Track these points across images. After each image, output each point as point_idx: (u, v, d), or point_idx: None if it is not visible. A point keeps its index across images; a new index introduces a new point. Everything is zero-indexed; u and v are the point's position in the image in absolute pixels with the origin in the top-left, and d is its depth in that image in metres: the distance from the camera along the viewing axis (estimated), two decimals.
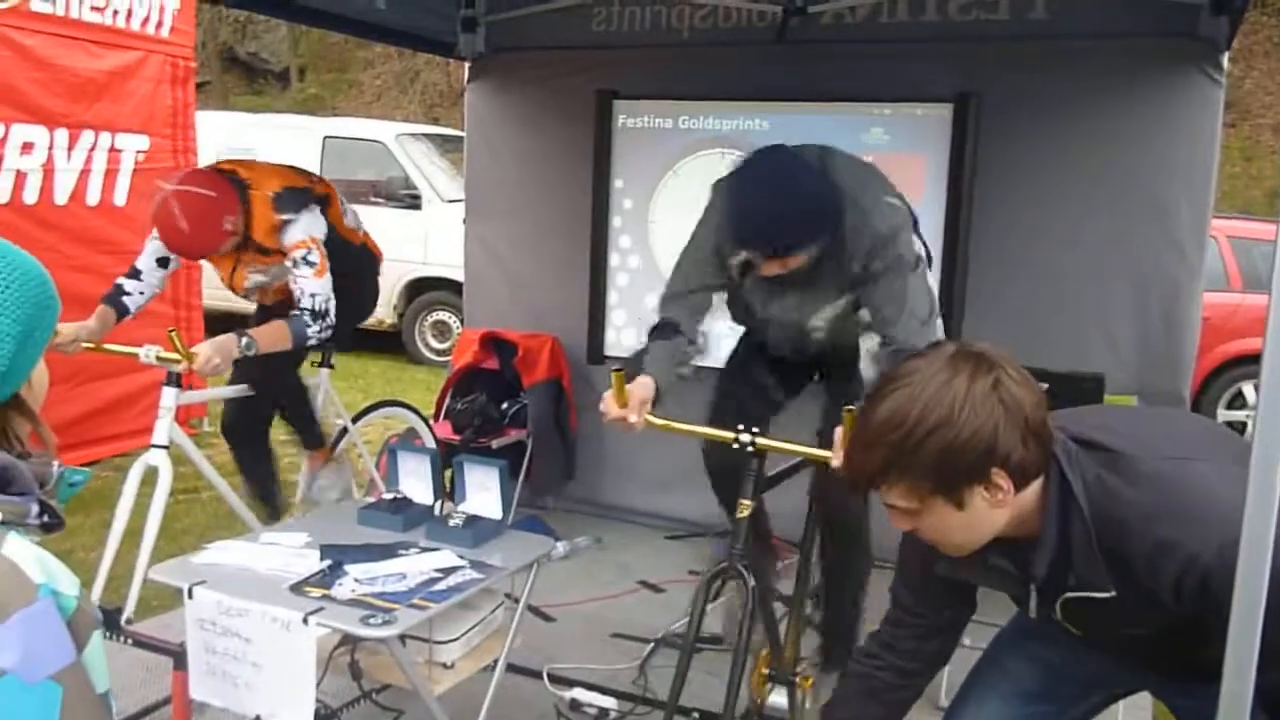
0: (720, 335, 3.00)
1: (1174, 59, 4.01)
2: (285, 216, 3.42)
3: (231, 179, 3.43)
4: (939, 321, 2.62)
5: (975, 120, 4.14)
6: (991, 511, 1.61)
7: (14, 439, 1.13)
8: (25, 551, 1.02)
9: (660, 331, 2.66)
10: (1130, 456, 1.62)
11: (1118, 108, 4.10)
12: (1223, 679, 1.35)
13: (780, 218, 2.46)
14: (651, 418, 2.43)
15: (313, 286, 3.41)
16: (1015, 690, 1.99)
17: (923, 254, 2.68)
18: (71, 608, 1.02)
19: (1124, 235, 4.16)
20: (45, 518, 1.10)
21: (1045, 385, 3.33)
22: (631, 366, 2.51)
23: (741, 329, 3.18)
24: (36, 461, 1.13)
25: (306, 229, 3.44)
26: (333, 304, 3.45)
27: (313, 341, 3.44)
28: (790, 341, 2.94)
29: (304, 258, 3.42)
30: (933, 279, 2.71)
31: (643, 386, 2.44)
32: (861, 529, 3.10)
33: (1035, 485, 1.63)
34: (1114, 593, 1.63)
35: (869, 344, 2.62)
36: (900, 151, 4.21)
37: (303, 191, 3.54)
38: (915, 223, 2.76)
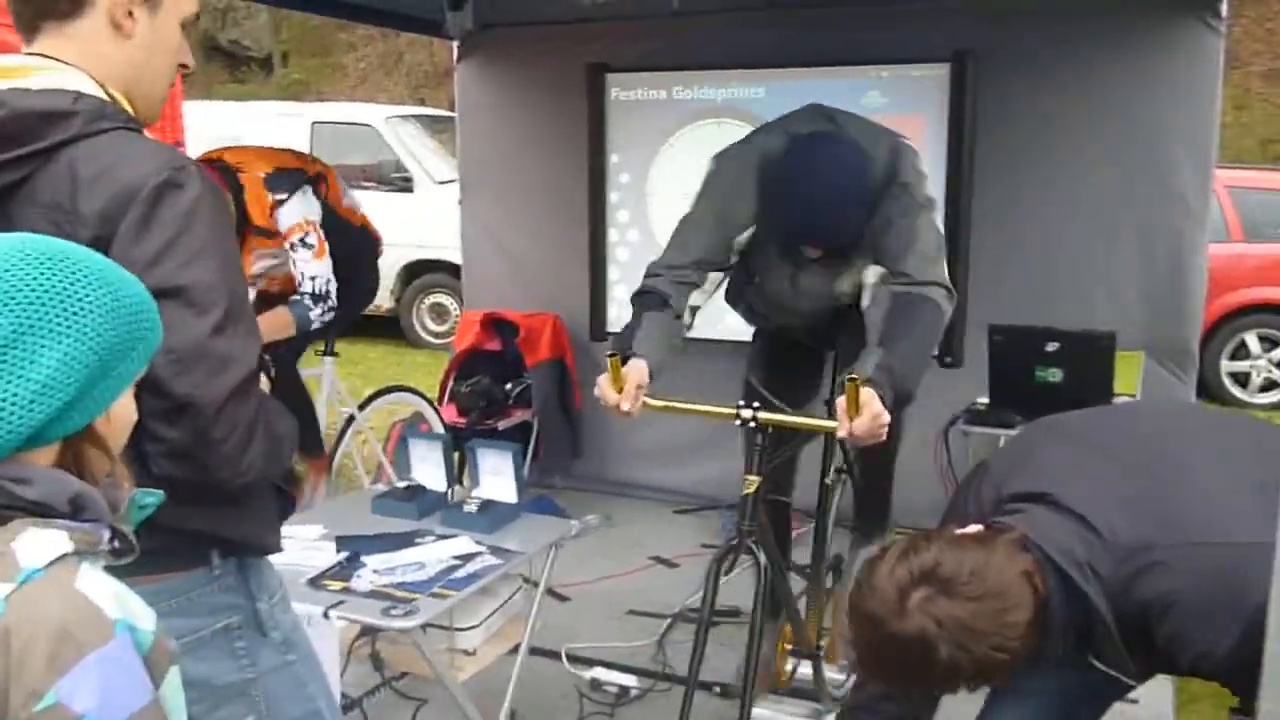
0: (715, 311, 2.96)
1: (1172, 7, 3.96)
2: (278, 196, 3.37)
3: (219, 167, 3.38)
4: (943, 257, 2.57)
5: (973, 79, 4.09)
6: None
7: (89, 474, 1.08)
8: (100, 585, 0.99)
9: (648, 300, 2.57)
10: (1143, 547, 1.61)
11: (1116, 59, 4.06)
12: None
13: (840, 214, 2.46)
14: (650, 400, 2.39)
15: (312, 269, 3.37)
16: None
17: (932, 195, 2.63)
18: (149, 642, 1.00)
19: (1127, 189, 4.12)
20: (116, 543, 1.07)
21: (1057, 344, 3.35)
22: (623, 342, 2.46)
23: (742, 317, 3.13)
24: (107, 485, 1.10)
25: (301, 211, 3.40)
26: (334, 286, 3.41)
27: (315, 325, 3.41)
28: (815, 312, 2.87)
29: (301, 240, 3.38)
30: (939, 221, 2.66)
31: (636, 370, 2.38)
32: (890, 461, 3.09)
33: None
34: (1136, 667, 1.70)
35: (870, 278, 2.57)
36: (899, 113, 4.16)
37: (295, 172, 3.49)
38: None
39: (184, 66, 1.55)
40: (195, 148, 5.93)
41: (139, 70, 1.47)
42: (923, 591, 1.58)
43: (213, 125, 8.81)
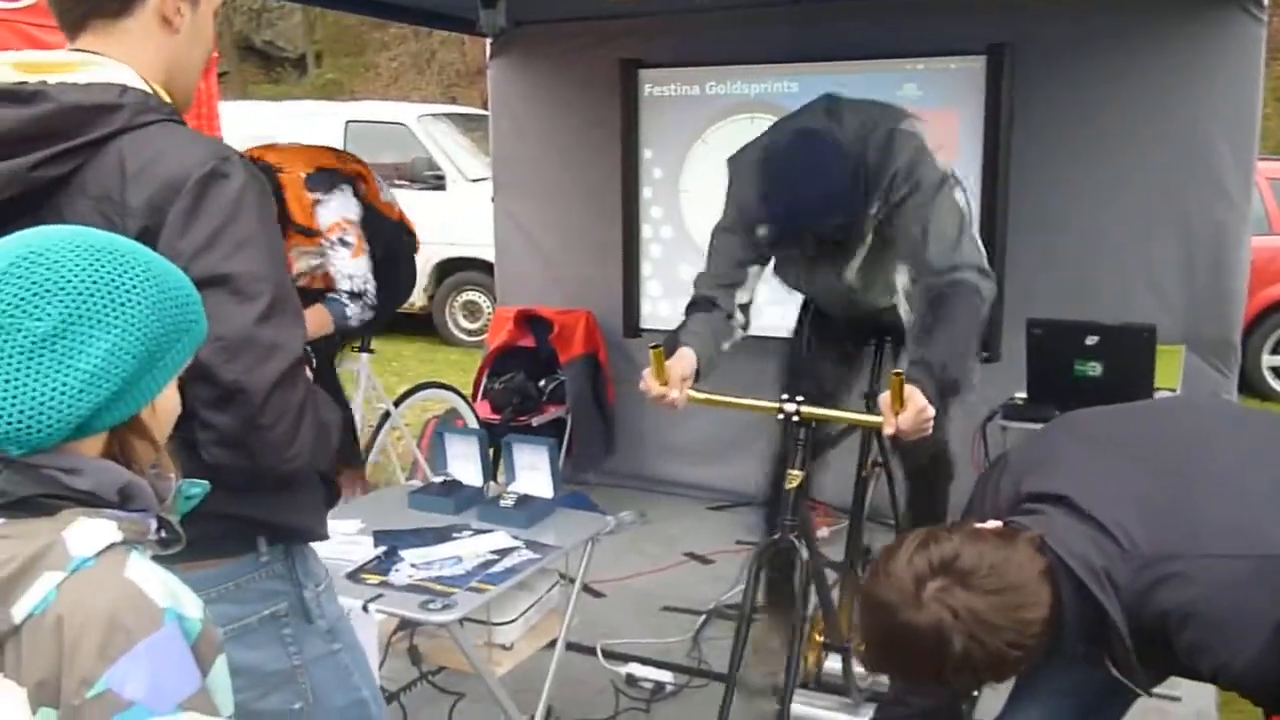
0: (760, 305, 2.96)
1: None
2: (317, 196, 3.40)
3: (260, 167, 3.40)
4: (973, 237, 2.52)
5: (1009, 72, 4.05)
6: None
7: (135, 465, 1.09)
8: (149, 574, 1.00)
9: (697, 306, 2.61)
10: (1163, 558, 1.58)
11: (1155, 50, 4.00)
12: None
13: (813, 211, 2.42)
14: (693, 392, 2.38)
15: (349, 267, 3.39)
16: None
17: (950, 172, 2.58)
18: (196, 631, 1.01)
19: (1167, 182, 4.07)
20: (163, 533, 1.08)
21: (1096, 338, 3.31)
22: (670, 343, 2.47)
23: (796, 297, 3.13)
24: (153, 476, 1.11)
25: (339, 210, 3.42)
26: (371, 284, 3.43)
27: (354, 323, 3.42)
28: (841, 304, 2.88)
29: (340, 239, 3.40)
30: (961, 195, 2.59)
31: (682, 361, 2.39)
32: (943, 451, 3.07)
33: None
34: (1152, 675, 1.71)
35: (902, 280, 2.55)
36: (934, 107, 4.13)
37: (333, 171, 3.51)
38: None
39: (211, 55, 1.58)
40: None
41: (179, 62, 1.50)
42: (940, 582, 1.56)
43: (248, 125, 8.86)
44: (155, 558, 1.06)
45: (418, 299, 8.95)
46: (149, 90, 1.43)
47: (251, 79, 17.47)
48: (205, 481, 1.17)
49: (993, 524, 1.70)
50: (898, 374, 2.14)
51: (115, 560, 0.99)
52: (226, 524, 1.45)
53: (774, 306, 3.19)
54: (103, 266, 1.04)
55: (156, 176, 1.36)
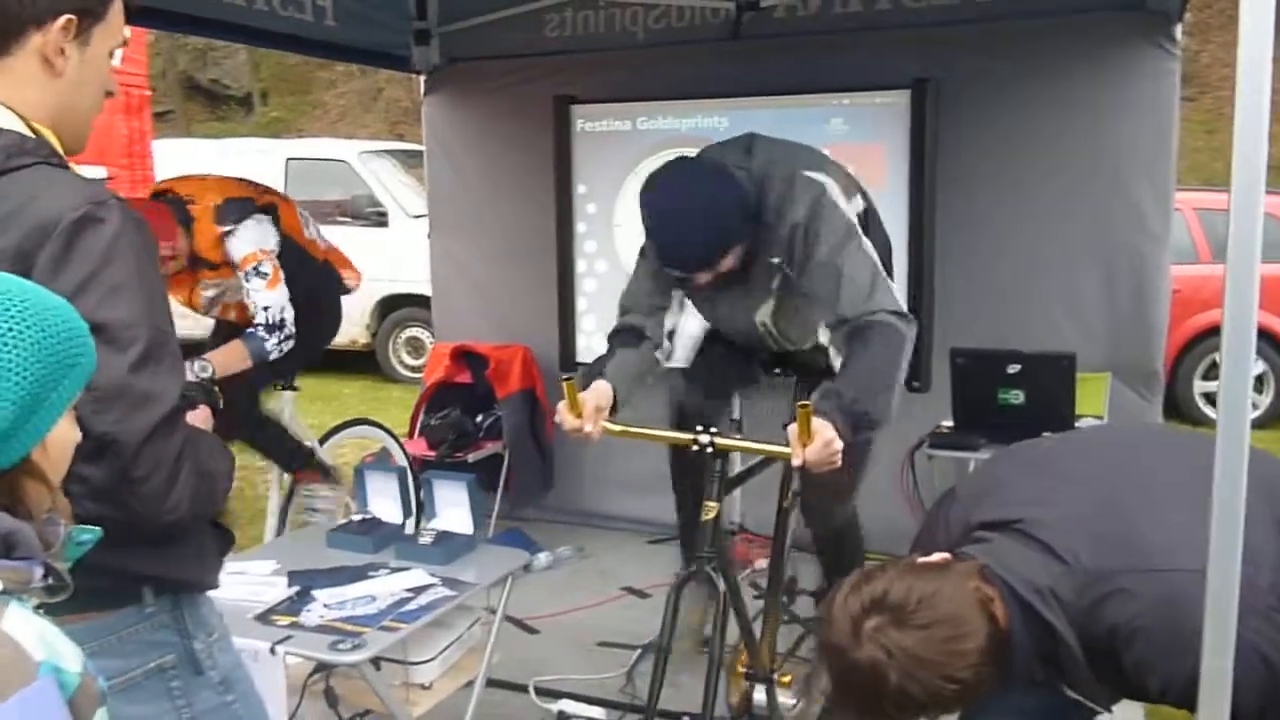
0: (693, 336, 2.97)
1: (1127, 33, 4.01)
2: (225, 228, 3.36)
3: (169, 200, 3.37)
4: (887, 283, 2.51)
5: (933, 105, 4.12)
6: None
7: (27, 505, 1.06)
8: (26, 625, 0.97)
9: (623, 338, 2.59)
10: (1106, 573, 1.61)
11: (1075, 85, 4.10)
12: None
13: (687, 239, 2.41)
14: (609, 424, 2.38)
15: (265, 299, 3.34)
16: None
17: (855, 219, 2.56)
18: (74, 685, 0.97)
19: (1088, 211, 4.15)
20: (49, 580, 1.04)
21: (1018, 366, 3.36)
22: (592, 371, 2.46)
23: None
24: (46, 521, 1.08)
25: (255, 240, 3.38)
26: (289, 314, 3.37)
27: (273, 355, 3.35)
28: (748, 340, 2.90)
29: (255, 269, 3.35)
30: (868, 244, 2.56)
31: (598, 394, 2.38)
32: (850, 515, 3.07)
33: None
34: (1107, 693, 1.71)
35: (824, 335, 2.56)
36: (860, 141, 4.19)
37: (244, 201, 3.47)
38: (863, 193, 2.72)
39: (109, 94, 1.54)
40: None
41: (67, 104, 1.46)
42: (874, 621, 1.58)
43: (187, 163, 8.77)
44: (42, 606, 1.03)
45: (360, 336, 8.88)
46: (27, 133, 1.40)
47: (196, 118, 17.35)
48: (97, 528, 1.14)
49: (938, 556, 1.72)
50: (804, 406, 2.15)
51: None
52: (107, 576, 1.41)
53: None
54: None
55: (27, 220, 1.33)
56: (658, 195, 2.45)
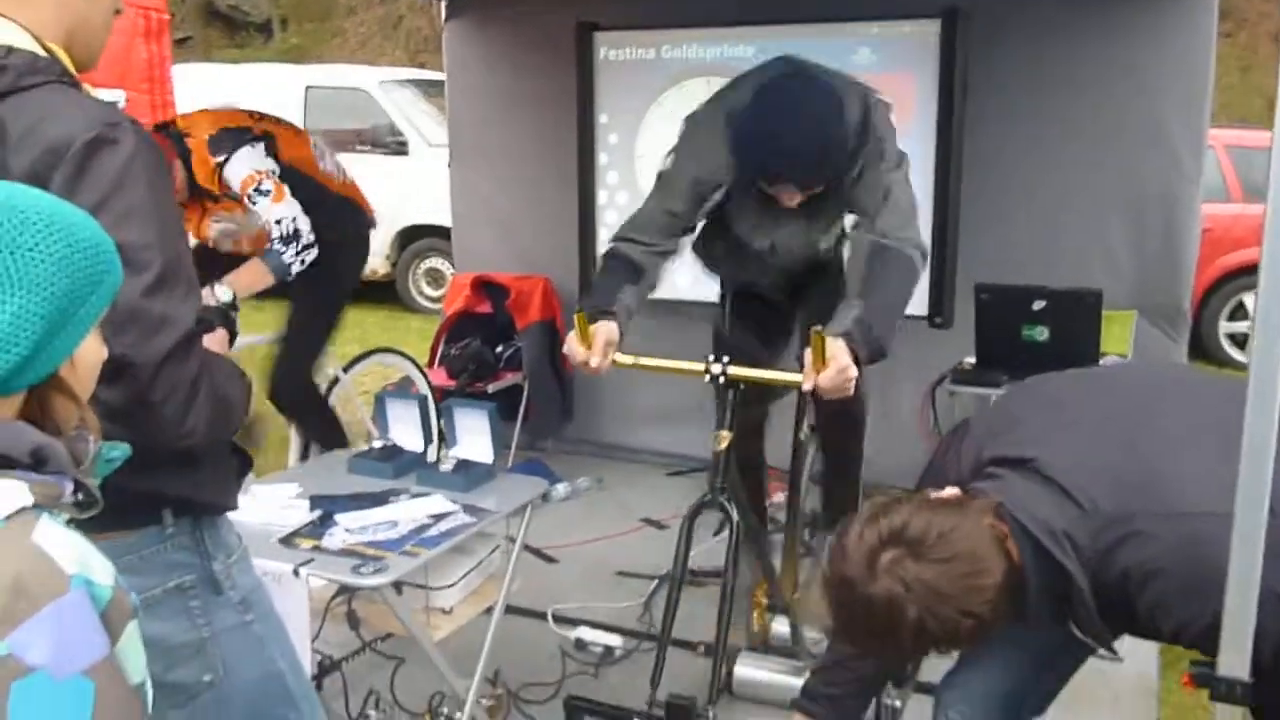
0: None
1: None
2: (219, 158, 3.33)
3: (169, 133, 3.35)
4: (918, 218, 2.52)
5: (964, 37, 4.03)
6: None
7: (56, 421, 1.06)
8: (58, 538, 0.97)
9: (620, 268, 2.52)
10: (1123, 517, 1.59)
11: (1110, 18, 3.99)
12: None
13: (815, 150, 2.36)
14: (620, 357, 2.37)
15: (274, 213, 3.27)
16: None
17: (904, 152, 2.57)
18: (106, 598, 0.98)
19: (1120, 149, 4.07)
20: (80, 496, 1.05)
21: (1043, 303, 3.32)
22: (594, 300, 2.42)
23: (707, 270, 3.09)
24: (75, 437, 1.08)
25: (248, 163, 3.32)
26: (304, 223, 3.29)
27: (296, 267, 3.28)
28: (791, 270, 2.84)
29: (256, 190, 3.29)
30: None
31: (606, 328, 2.37)
32: (860, 423, 3.07)
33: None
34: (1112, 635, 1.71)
35: (849, 224, 2.53)
36: (889, 71, 4.10)
37: (238, 131, 3.43)
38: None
39: (118, 12, 1.52)
40: (187, 109, 5.91)
41: (78, 21, 1.45)
42: (891, 553, 1.57)
43: (206, 89, 8.74)
44: (71, 521, 1.03)
45: (381, 266, 8.88)
46: (40, 51, 1.38)
47: (216, 44, 17.20)
48: (126, 445, 1.14)
49: (950, 491, 1.71)
50: (818, 331, 2.13)
51: (24, 524, 0.96)
52: (130, 497, 1.42)
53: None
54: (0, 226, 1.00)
55: (40, 141, 1.32)
56: (775, 107, 2.37)
